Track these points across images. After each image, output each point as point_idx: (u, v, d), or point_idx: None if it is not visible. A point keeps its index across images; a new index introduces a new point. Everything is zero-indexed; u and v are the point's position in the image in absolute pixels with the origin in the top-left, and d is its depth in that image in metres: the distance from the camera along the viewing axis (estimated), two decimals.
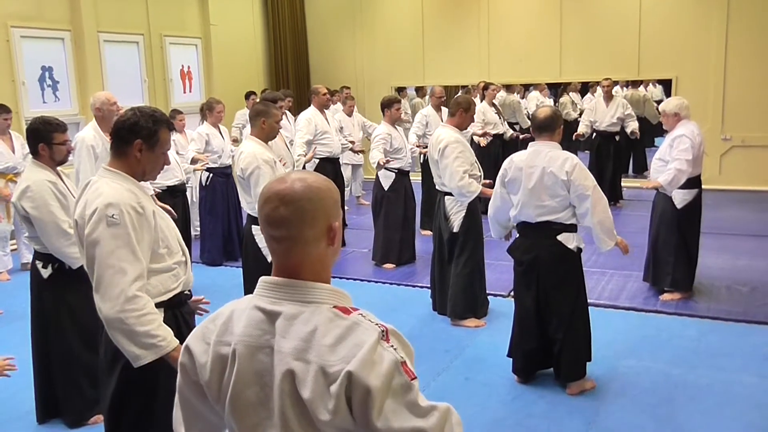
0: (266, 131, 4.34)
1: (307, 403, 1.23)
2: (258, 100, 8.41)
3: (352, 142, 7.89)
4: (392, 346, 1.26)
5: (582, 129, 8.93)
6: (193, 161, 6.63)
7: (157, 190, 5.53)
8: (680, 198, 5.03)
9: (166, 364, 2.29)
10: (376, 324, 1.28)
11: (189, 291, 2.59)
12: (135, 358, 2.30)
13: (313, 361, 1.23)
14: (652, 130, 11.69)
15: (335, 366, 1.22)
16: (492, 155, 8.18)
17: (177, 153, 6.83)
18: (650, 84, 12.56)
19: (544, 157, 3.72)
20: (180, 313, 2.50)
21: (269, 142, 4.43)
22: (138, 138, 2.39)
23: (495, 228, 4.19)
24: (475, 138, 8.20)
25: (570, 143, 9.86)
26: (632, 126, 8.72)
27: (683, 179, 4.89)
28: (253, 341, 1.30)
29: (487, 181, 4.85)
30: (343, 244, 7.14)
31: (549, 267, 3.81)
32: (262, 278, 1.37)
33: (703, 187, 5.23)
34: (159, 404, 2.38)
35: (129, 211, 2.31)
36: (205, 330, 1.39)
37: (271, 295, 1.33)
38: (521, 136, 8.71)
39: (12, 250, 6.79)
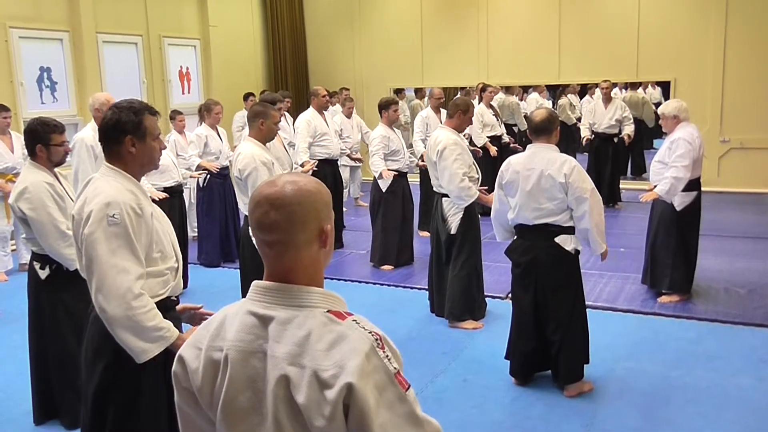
0: (264, 132, 4.33)
1: (302, 408, 1.22)
2: (257, 101, 8.41)
3: (351, 153, 7.92)
4: (387, 355, 1.25)
5: (586, 133, 8.91)
6: (199, 168, 6.66)
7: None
8: (679, 200, 5.03)
9: (147, 363, 2.32)
10: (370, 332, 1.27)
11: (176, 297, 2.58)
12: (142, 352, 2.31)
13: (308, 366, 1.22)
14: (651, 132, 11.70)
15: (329, 370, 1.20)
16: (490, 157, 8.19)
17: (177, 154, 6.83)
18: (649, 86, 12.57)
19: (542, 160, 3.72)
20: (165, 318, 2.48)
21: (267, 144, 4.43)
22: (126, 135, 2.39)
23: (498, 231, 4.16)
24: (489, 147, 8.25)
25: (568, 145, 9.88)
26: (627, 130, 8.72)
27: (681, 187, 4.91)
28: (246, 346, 1.29)
29: (484, 188, 4.84)
30: (341, 245, 7.15)
31: (547, 269, 3.80)
32: (255, 282, 1.36)
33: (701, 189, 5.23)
34: (142, 402, 2.39)
35: (129, 212, 2.31)
36: (197, 336, 1.38)
37: (263, 300, 1.32)
38: (512, 145, 8.67)
39: (11, 251, 6.78)
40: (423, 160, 7.08)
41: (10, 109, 6.58)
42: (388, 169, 6.30)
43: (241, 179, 4.20)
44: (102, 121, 2.44)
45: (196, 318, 2.59)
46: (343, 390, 1.18)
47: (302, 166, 6.37)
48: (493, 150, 8.28)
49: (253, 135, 4.34)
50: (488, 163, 7.86)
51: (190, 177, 6.62)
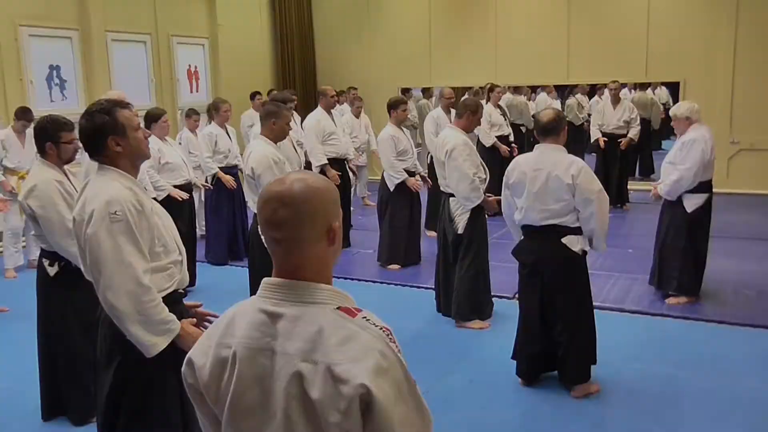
0: (276, 131, 4.35)
1: (317, 403, 1.22)
2: (263, 100, 8.43)
3: (351, 165, 7.97)
4: (399, 349, 1.27)
5: (598, 135, 8.83)
6: (215, 177, 6.71)
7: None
8: (691, 202, 5.01)
9: (158, 360, 2.33)
10: (381, 327, 1.28)
11: (183, 290, 2.60)
12: (152, 346, 2.33)
13: (321, 362, 1.22)
14: (659, 133, 11.63)
15: (342, 364, 1.21)
16: (497, 157, 8.17)
17: (189, 152, 6.84)
18: (657, 86, 12.50)
19: (549, 161, 3.70)
20: (172, 311, 2.49)
21: (278, 143, 4.44)
22: (107, 136, 2.40)
23: (513, 230, 4.13)
24: (500, 147, 8.29)
25: (576, 145, 9.82)
26: (633, 132, 8.66)
27: (682, 189, 4.94)
28: (254, 343, 1.30)
29: (489, 194, 4.83)
30: (349, 244, 7.15)
31: (554, 269, 3.80)
32: (265, 279, 1.36)
33: None
34: (155, 400, 2.41)
35: (130, 208, 2.33)
36: (208, 333, 1.39)
37: (273, 297, 1.32)
38: (512, 144, 8.64)
39: (22, 247, 6.81)
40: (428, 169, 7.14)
41: (33, 118, 6.57)
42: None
43: (253, 178, 4.21)
44: (79, 131, 2.46)
45: (197, 317, 2.59)
46: (360, 388, 1.19)
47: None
48: (504, 149, 8.28)
49: (264, 134, 4.35)
50: (495, 164, 7.84)
51: (200, 185, 6.60)
